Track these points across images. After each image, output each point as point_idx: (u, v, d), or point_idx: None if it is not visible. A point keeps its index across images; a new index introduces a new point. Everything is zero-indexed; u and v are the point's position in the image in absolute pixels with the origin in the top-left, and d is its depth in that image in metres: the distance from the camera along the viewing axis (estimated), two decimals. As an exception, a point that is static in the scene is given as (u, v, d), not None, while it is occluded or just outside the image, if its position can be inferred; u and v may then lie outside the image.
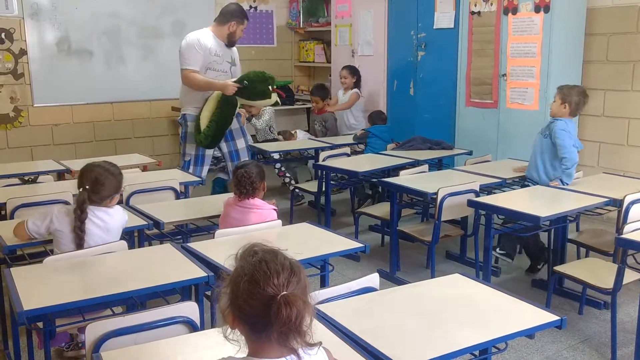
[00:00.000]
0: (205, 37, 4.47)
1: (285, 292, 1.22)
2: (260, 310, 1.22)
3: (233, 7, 4.58)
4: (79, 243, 2.58)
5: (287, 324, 1.20)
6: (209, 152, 4.61)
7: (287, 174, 5.66)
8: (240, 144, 4.73)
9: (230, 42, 4.55)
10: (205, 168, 4.62)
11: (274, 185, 6.05)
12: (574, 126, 3.82)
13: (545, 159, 3.78)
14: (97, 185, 2.63)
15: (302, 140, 5.94)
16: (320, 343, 1.31)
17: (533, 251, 3.90)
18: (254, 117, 5.92)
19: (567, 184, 3.67)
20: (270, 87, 4.40)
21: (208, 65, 4.45)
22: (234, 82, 4.37)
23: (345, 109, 6.09)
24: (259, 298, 1.22)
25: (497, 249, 4.11)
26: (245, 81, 4.36)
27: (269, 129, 6.00)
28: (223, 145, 4.67)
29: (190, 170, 4.44)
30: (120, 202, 2.98)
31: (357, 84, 6.10)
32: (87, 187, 2.62)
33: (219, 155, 4.99)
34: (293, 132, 6.11)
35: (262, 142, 5.92)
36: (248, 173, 3.00)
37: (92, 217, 2.64)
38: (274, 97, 4.46)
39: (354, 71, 6.11)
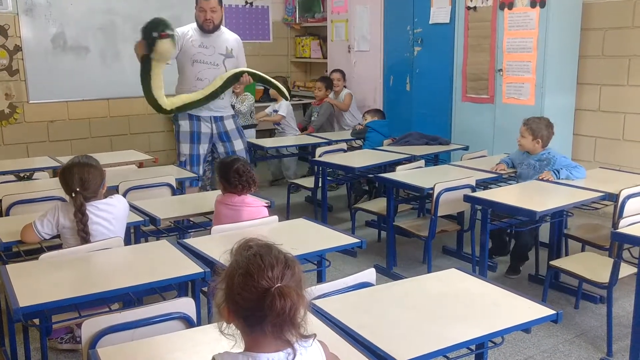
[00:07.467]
0: (189, 29, 4.42)
1: (279, 284, 1.22)
2: (254, 302, 1.22)
3: None
4: (84, 243, 2.59)
5: (280, 316, 1.21)
6: (203, 152, 4.52)
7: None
8: (238, 145, 4.61)
9: (200, 28, 4.40)
10: (201, 167, 4.53)
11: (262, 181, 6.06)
12: None
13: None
14: (85, 183, 2.62)
15: (298, 136, 5.93)
16: (314, 335, 1.32)
17: (520, 252, 3.82)
18: (237, 102, 5.84)
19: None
20: (153, 35, 3.88)
21: (193, 57, 4.40)
22: None
23: (345, 110, 6.14)
24: (253, 291, 1.23)
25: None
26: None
27: (250, 115, 5.97)
28: (220, 146, 4.61)
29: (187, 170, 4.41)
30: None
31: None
32: (77, 189, 2.61)
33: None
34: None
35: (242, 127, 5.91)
36: (246, 167, 2.96)
37: (96, 211, 2.64)
38: (158, 46, 3.94)
39: (344, 74, 6.26)
